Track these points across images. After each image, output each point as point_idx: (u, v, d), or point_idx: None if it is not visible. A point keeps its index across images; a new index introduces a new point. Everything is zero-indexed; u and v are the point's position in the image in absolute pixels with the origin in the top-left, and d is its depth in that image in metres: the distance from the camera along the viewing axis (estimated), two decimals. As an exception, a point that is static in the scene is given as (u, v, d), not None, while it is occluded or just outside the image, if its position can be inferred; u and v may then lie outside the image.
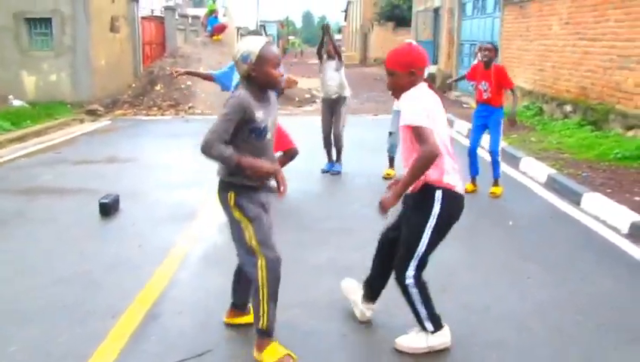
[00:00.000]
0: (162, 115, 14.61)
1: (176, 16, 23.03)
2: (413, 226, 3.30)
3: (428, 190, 3.19)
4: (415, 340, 3.39)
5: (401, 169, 3.29)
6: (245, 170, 3.04)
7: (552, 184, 7.20)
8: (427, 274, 4.32)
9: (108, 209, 6.00)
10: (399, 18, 38.09)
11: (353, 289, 3.86)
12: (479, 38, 17.31)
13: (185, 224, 5.76)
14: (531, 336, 3.60)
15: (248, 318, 3.59)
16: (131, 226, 5.74)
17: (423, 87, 3.24)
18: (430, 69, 21.66)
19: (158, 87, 15.76)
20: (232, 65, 5.51)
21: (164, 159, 9.03)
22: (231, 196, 3.18)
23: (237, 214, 3.19)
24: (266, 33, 57.27)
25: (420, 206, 3.24)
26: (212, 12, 19.92)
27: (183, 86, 15.69)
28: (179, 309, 3.94)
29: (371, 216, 5.85)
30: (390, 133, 7.59)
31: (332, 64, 7.79)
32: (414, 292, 3.32)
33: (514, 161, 8.34)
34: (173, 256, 4.92)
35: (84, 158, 9.11)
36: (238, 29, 43.38)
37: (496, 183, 6.86)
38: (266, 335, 3.26)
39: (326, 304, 4.02)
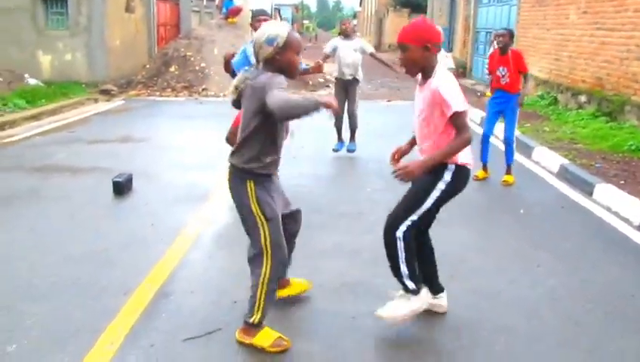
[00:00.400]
0: (176, 96, 14.65)
1: (192, -1, 22.97)
2: (419, 188, 3.31)
3: (441, 163, 3.23)
4: (396, 308, 3.37)
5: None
6: (328, 107, 2.89)
7: (564, 174, 7.17)
8: (437, 259, 4.35)
9: (121, 188, 6.05)
10: (414, 4, 37.83)
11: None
12: (495, 26, 17.16)
13: (197, 205, 5.80)
14: (541, 323, 3.60)
15: (283, 292, 3.70)
16: (144, 205, 5.79)
17: (442, 67, 3.25)
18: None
19: (172, 69, 15.79)
20: (243, 49, 5.49)
21: (178, 140, 9.07)
22: (251, 187, 3.12)
23: (255, 209, 3.14)
24: (280, 17, 57.17)
25: (430, 174, 3.23)
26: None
27: (197, 68, 15.71)
28: (190, 288, 3.98)
29: (382, 201, 5.88)
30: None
31: (350, 44, 7.80)
32: (400, 247, 3.28)
33: (527, 150, 8.30)
34: (185, 236, 4.95)
35: (98, 138, 9.16)
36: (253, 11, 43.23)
37: (509, 171, 6.84)
38: (255, 327, 3.26)
39: (336, 286, 4.05)
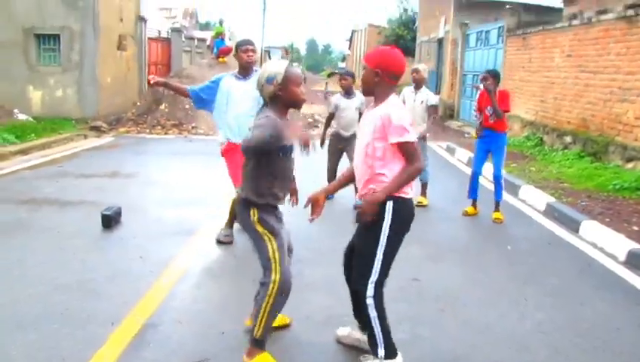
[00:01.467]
0: (165, 133, 14.71)
1: (183, 38, 23.29)
2: (366, 242, 3.26)
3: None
4: None
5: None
6: (283, 134, 3.11)
7: (551, 212, 7.25)
8: (427, 293, 4.37)
9: (110, 221, 6.03)
10: (403, 48, 38.31)
11: (348, 332, 3.70)
12: (482, 69, 17.46)
13: (186, 239, 5.79)
14: (529, 356, 3.61)
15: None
16: (133, 238, 5.77)
17: (394, 98, 3.22)
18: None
19: (162, 107, 15.87)
20: (216, 79, 5.49)
21: (167, 176, 9.08)
22: (254, 212, 3.29)
23: (260, 228, 3.31)
24: (270, 58, 57.74)
25: (370, 221, 3.19)
26: (219, 34, 20.15)
27: (187, 106, 15.81)
28: (178, 319, 3.96)
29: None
30: None
31: (352, 102, 7.33)
32: (373, 315, 3.22)
33: (513, 189, 8.39)
34: (173, 269, 4.94)
35: (87, 172, 9.15)
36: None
37: (497, 208, 6.90)
38: (258, 345, 3.32)
39: (323, 319, 4.05)
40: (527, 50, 14.28)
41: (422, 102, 7.35)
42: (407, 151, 3.11)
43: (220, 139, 5.60)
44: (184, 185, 8.35)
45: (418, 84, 7.47)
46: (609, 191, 8.17)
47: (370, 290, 3.22)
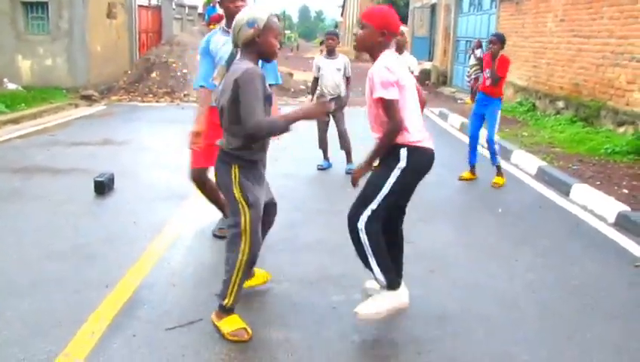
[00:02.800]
0: (157, 101, 14.61)
1: (173, 6, 22.99)
2: (374, 177, 3.29)
3: (393, 149, 3.20)
4: (371, 305, 3.33)
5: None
6: (297, 121, 3.09)
7: (542, 176, 7.28)
8: (419, 255, 4.42)
9: (103, 187, 6.03)
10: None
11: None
12: (475, 35, 17.41)
13: (179, 203, 5.80)
14: (519, 313, 3.67)
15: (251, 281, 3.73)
16: (126, 204, 5.78)
17: (390, 53, 3.28)
18: (425, 65, 21.81)
19: (153, 75, 15.75)
20: (205, 45, 4.63)
21: (159, 143, 9.05)
22: (235, 171, 3.15)
23: (238, 194, 3.17)
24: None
25: (386, 161, 3.26)
26: (210, 2, 19.90)
27: (178, 74, 15.71)
28: (171, 281, 3.99)
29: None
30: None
31: (334, 62, 7.31)
32: (364, 240, 3.24)
33: (505, 154, 8.40)
34: (166, 233, 4.96)
35: (79, 140, 9.12)
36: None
37: (499, 173, 6.93)
38: (227, 311, 3.29)
39: (317, 279, 4.09)
40: (521, 15, 14.19)
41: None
42: (385, 109, 3.14)
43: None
44: (176, 152, 8.31)
45: (400, 47, 7.44)
46: (600, 155, 8.21)
47: (363, 219, 3.24)
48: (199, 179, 4.65)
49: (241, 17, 3.10)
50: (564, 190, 6.57)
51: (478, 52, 14.34)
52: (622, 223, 5.48)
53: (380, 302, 3.33)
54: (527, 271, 4.37)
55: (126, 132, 10.02)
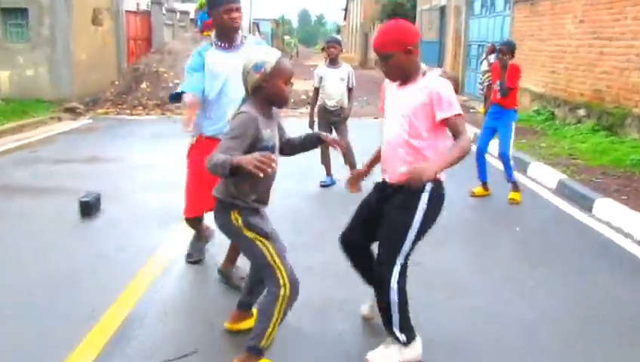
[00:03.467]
0: (147, 114, 14.68)
1: (164, 11, 23.14)
2: (397, 225, 3.24)
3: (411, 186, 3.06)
4: (387, 355, 3.33)
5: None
6: (244, 168, 2.85)
7: (562, 190, 7.29)
8: (430, 279, 4.42)
9: (89, 208, 6.05)
10: (402, 17, 37.93)
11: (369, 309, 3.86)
12: (488, 39, 17.48)
13: (170, 226, 5.80)
14: (537, 343, 3.66)
15: (250, 322, 3.61)
16: (113, 227, 5.79)
17: (431, 71, 3.27)
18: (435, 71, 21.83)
19: (143, 85, 15.84)
20: (198, 51, 4.39)
21: (149, 160, 9.08)
22: (236, 216, 3.17)
23: (249, 233, 3.17)
24: (259, 31, 57.40)
25: (405, 202, 3.21)
26: (202, 7, 20.01)
27: (170, 84, 15.77)
28: (164, 311, 3.99)
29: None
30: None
31: (337, 72, 7.36)
32: (394, 297, 3.25)
33: (522, 167, 8.42)
34: (157, 259, 4.96)
35: (63, 158, 9.16)
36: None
37: (515, 188, 6.95)
38: (260, 354, 3.20)
39: (322, 305, 4.10)
40: (537, 17, 14.25)
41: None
42: (455, 125, 3.10)
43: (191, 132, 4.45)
44: (167, 169, 8.35)
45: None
46: (626, 166, 8.21)
47: (395, 277, 3.23)
48: (196, 227, 4.76)
49: (248, 61, 3.11)
50: (587, 205, 6.57)
51: (492, 57, 14.37)
52: (650, 241, 5.48)
53: (394, 356, 3.32)
54: (547, 296, 4.36)
55: (114, 148, 10.06)
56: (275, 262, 3.14)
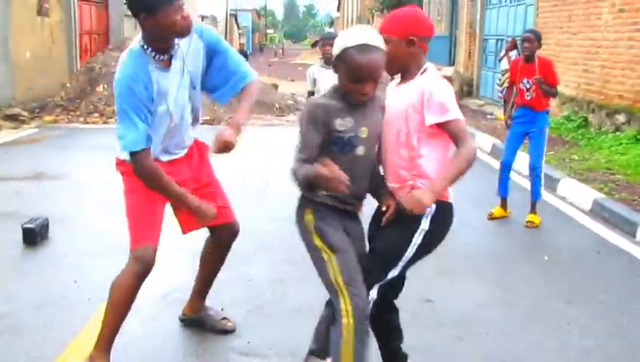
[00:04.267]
0: (105, 122, 14.66)
1: (124, 1, 23.23)
2: (392, 242, 3.23)
3: None
4: None
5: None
6: (319, 183, 2.97)
7: (599, 211, 7.31)
8: (442, 318, 4.41)
9: (34, 236, 6.02)
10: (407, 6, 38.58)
11: None
12: (508, 32, 17.60)
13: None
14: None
15: None
16: (64, 257, 5.76)
17: (433, 67, 3.26)
18: (446, 71, 22.00)
19: (100, 89, 15.84)
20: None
21: (106, 177, 8.97)
22: (309, 217, 3.19)
23: (318, 241, 3.17)
24: (237, 24, 57.50)
25: (404, 219, 3.12)
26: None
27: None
28: (124, 360, 3.96)
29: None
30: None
31: (333, 73, 7.41)
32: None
33: (551, 184, 8.44)
34: (117, 295, 4.93)
35: (2, 174, 9.11)
36: (203, 17, 43.78)
37: (533, 210, 6.98)
38: None
39: (312, 353, 4.07)
40: (566, 5, 14.37)
41: None
42: (457, 130, 3.04)
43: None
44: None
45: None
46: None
47: (372, 293, 3.22)
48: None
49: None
50: (630, 230, 6.59)
51: (513, 54, 14.50)
52: None
53: None
54: (583, 337, 4.36)
55: (64, 163, 10.04)
56: (336, 281, 3.07)
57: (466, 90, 20.54)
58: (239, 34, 57.48)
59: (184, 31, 3.56)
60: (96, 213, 7.16)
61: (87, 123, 14.61)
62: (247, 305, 4.75)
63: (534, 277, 5.51)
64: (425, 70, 3.21)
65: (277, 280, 5.24)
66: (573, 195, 8.03)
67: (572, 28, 14.02)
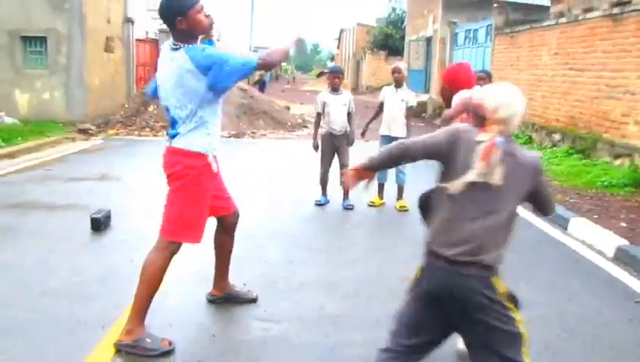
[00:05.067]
0: (155, 135, 14.66)
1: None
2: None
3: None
4: None
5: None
6: None
7: (540, 209, 7.28)
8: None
9: (99, 224, 6.02)
10: (392, 47, 38.63)
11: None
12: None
13: (176, 240, 5.78)
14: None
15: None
16: (123, 242, 5.76)
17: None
18: (422, 97, 21.99)
19: (151, 108, 15.83)
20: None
21: (157, 178, 9.02)
22: (498, 283, 2.45)
23: (514, 310, 2.47)
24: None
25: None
26: (206, 36, 20.09)
27: (175, 107, 15.78)
28: (169, 322, 3.96)
29: (360, 237, 5.95)
30: None
31: (340, 98, 7.34)
32: None
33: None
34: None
35: (76, 175, 9.12)
36: (232, 53, 43.77)
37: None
38: None
39: (315, 319, 4.07)
40: (516, 48, 14.37)
41: (402, 100, 7.34)
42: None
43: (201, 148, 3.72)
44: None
45: (399, 82, 7.45)
46: (598, 187, 8.25)
47: None
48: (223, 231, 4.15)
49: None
50: (563, 224, 6.58)
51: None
52: (621, 258, 5.48)
53: None
54: (525, 308, 4.33)
55: (123, 167, 10.04)
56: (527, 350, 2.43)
57: (437, 112, 20.51)
58: (261, 66, 57.42)
59: (208, 27, 3.61)
60: (148, 207, 7.15)
61: (141, 135, 14.59)
62: (263, 281, 4.75)
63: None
64: None
65: (287, 260, 5.24)
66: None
67: (520, 66, 14.01)
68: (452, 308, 2.43)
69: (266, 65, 3.62)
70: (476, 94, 2.56)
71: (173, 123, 3.67)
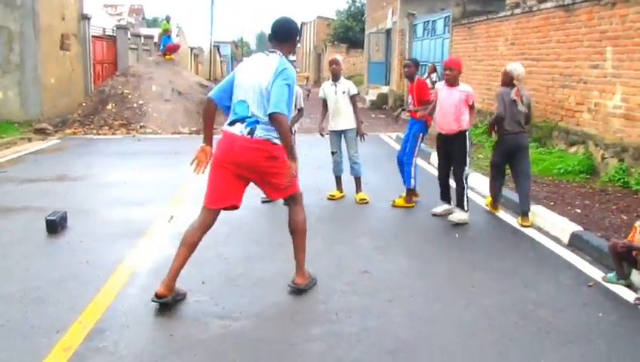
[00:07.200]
0: (113, 134, 14.44)
1: (129, 36, 22.87)
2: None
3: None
4: (461, 213, 6.38)
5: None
6: None
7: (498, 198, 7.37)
8: (377, 285, 4.42)
9: (55, 226, 5.89)
10: (352, 39, 38.73)
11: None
12: (430, 59, 17.70)
13: (135, 240, 5.70)
14: (476, 340, 3.69)
15: None
16: (79, 243, 5.64)
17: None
18: (383, 89, 22.10)
19: (109, 106, 15.57)
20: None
21: (115, 177, 8.92)
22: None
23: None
24: (220, 54, 56.90)
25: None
26: (166, 31, 19.86)
27: (135, 105, 15.56)
28: (126, 323, 3.90)
29: (322, 230, 5.94)
30: (333, 153, 7.49)
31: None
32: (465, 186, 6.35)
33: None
34: (121, 272, 4.86)
35: (32, 177, 8.92)
36: (192, 48, 43.31)
37: (408, 193, 7.13)
38: None
39: (274, 315, 4.06)
40: (473, 39, 14.50)
41: (343, 92, 7.27)
42: (474, 106, 6.44)
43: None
44: (132, 186, 8.23)
45: (336, 75, 7.34)
46: (554, 175, 8.39)
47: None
48: (204, 224, 4.24)
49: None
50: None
51: (433, 76, 14.59)
52: (575, 243, 5.59)
53: (463, 214, 6.42)
54: (483, 296, 4.41)
55: (81, 167, 9.85)
56: None
57: (398, 103, 20.61)
58: (221, 61, 57.10)
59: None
60: (106, 207, 7.05)
61: (99, 134, 14.35)
62: (222, 278, 4.71)
63: (448, 251, 5.55)
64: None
65: (245, 257, 5.21)
66: (479, 186, 8.10)
67: (477, 56, 14.15)
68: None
69: (281, 126, 4.04)
70: (507, 68, 6.64)
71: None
